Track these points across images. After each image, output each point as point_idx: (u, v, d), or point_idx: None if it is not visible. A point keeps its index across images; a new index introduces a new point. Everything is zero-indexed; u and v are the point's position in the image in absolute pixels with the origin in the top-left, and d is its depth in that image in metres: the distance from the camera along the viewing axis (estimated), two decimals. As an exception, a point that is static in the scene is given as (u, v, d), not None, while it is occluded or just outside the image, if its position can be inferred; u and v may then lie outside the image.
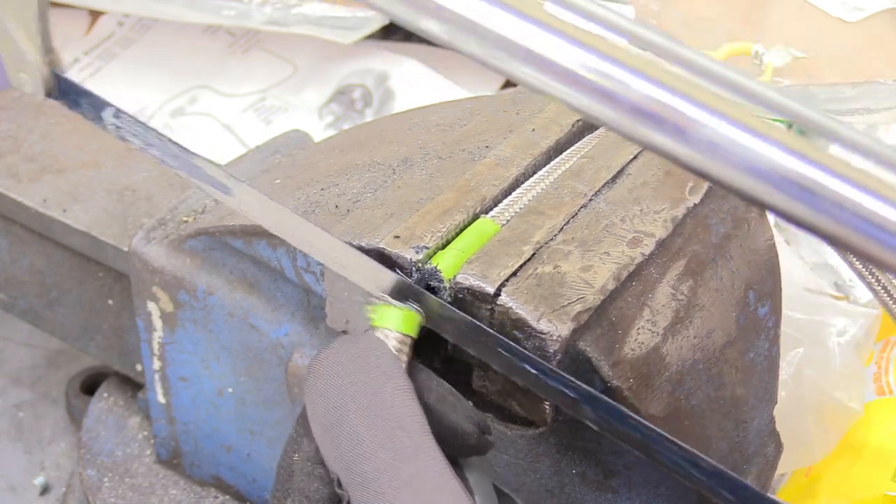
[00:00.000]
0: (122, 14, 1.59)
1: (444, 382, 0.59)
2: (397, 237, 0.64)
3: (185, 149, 0.64)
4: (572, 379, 0.59)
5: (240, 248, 0.75)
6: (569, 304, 0.61)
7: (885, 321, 1.10)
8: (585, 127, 0.74)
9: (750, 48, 1.29)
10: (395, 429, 0.54)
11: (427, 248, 0.63)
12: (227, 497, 0.87)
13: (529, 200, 0.67)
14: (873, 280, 0.88)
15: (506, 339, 0.60)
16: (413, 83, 1.49)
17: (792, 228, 1.22)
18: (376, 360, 0.57)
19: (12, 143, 0.96)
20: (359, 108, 1.48)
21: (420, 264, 0.63)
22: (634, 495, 0.69)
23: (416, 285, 0.61)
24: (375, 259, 0.64)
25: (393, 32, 1.58)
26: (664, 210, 0.67)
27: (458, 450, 0.58)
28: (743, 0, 1.40)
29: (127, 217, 0.88)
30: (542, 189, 0.68)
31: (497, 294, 0.61)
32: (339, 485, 0.55)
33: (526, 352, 0.60)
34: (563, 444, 0.70)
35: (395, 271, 0.63)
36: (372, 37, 1.46)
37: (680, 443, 0.58)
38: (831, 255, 1.18)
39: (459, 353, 0.64)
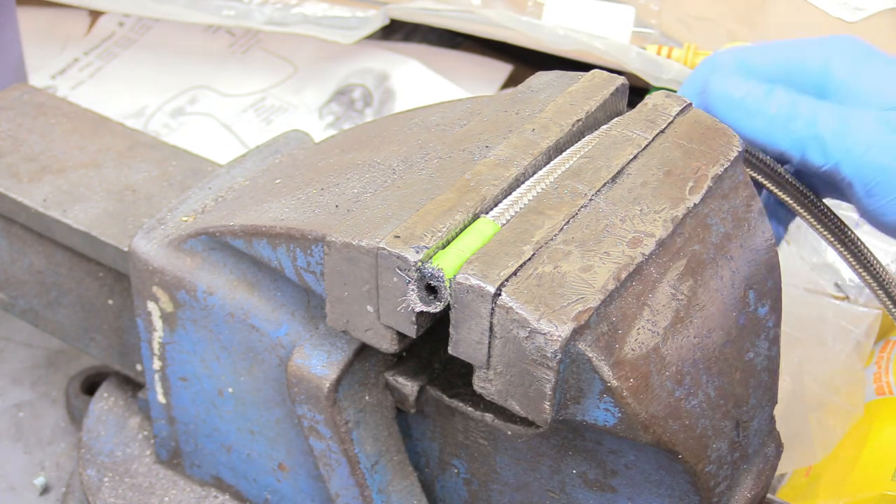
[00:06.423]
0: (122, 14, 1.59)
1: None
2: (397, 237, 0.64)
3: None
4: None
5: (240, 247, 0.75)
6: (569, 304, 0.61)
7: (885, 321, 1.10)
8: (585, 127, 0.74)
9: (750, 48, 1.29)
10: None
11: (427, 248, 0.63)
12: (227, 497, 0.88)
13: (529, 200, 0.67)
14: (873, 280, 0.87)
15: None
16: (413, 83, 1.49)
17: (793, 228, 1.22)
18: None
19: (12, 143, 0.96)
20: (359, 108, 1.49)
21: (420, 264, 0.63)
22: (635, 495, 0.69)
23: None
24: (372, 260, 0.64)
25: (393, 32, 1.58)
26: (664, 210, 0.67)
27: None
28: (743, 0, 1.40)
29: (127, 217, 0.88)
30: (542, 189, 0.68)
31: (497, 294, 0.61)
32: None
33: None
34: (563, 444, 0.70)
35: (395, 271, 0.63)
36: (372, 37, 1.46)
37: None
38: (831, 255, 1.18)
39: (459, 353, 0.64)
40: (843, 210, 1.20)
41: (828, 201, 0.85)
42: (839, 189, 0.80)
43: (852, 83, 0.77)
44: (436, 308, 0.63)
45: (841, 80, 0.77)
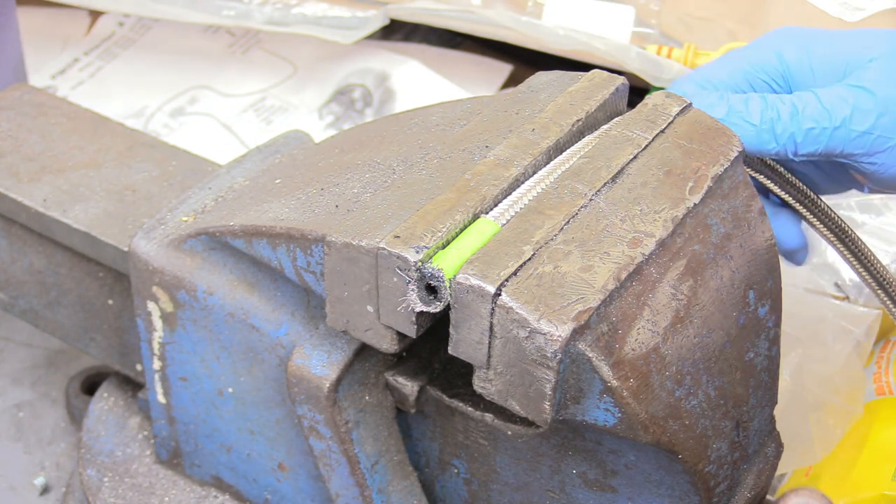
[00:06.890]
0: (122, 14, 1.59)
1: None
2: (397, 237, 0.64)
3: None
4: None
5: (240, 247, 0.75)
6: (569, 304, 0.61)
7: (885, 321, 1.10)
8: (585, 127, 0.74)
9: (750, 48, 1.29)
10: None
11: (427, 248, 0.63)
12: (227, 497, 0.88)
13: (529, 200, 0.67)
14: (873, 280, 0.87)
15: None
16: (413, 83, 1.49)
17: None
18: None
19: (12, 143, 0.96)
20: (359, 108, 1.49)
21: (420, 264, 0.63)
22: (635, 495, 0.69)
23: None
24: (372, 260, 0.64)
25: (393, 32, 1.58)
26: (664, 210, 0.67)
27: None
28: (743, 0, 1.40)
29: (127, 217, 0.88)
30: (542, 189, 0.68)
31: (497, 294, 0.61)
32: None
33: None
34: (563, 444, 0.70)
35: (395, 271, 0.63)
36: (372, 37, 1.46)
37: None
38: (831, 255, 1.18)
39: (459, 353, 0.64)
40: (844, 210, 1.20)
41: (827, 199, 0.85)
42: (840, 170, 0.82)
43: (809, 66, 0.80)
44: (436, 308, 0.63)
45: (798, 67, 0.81)
